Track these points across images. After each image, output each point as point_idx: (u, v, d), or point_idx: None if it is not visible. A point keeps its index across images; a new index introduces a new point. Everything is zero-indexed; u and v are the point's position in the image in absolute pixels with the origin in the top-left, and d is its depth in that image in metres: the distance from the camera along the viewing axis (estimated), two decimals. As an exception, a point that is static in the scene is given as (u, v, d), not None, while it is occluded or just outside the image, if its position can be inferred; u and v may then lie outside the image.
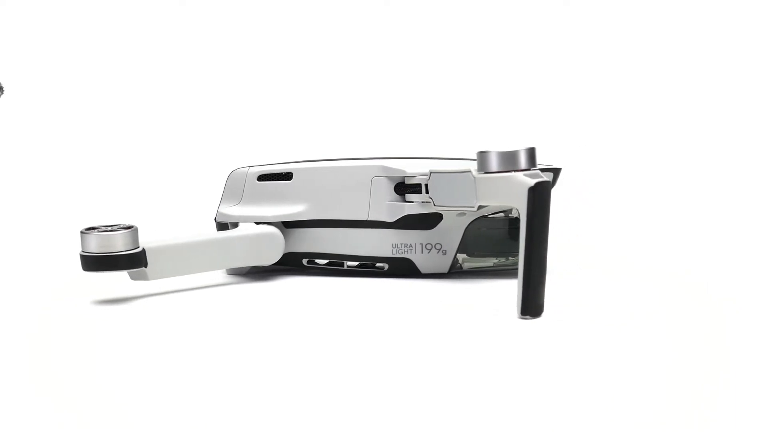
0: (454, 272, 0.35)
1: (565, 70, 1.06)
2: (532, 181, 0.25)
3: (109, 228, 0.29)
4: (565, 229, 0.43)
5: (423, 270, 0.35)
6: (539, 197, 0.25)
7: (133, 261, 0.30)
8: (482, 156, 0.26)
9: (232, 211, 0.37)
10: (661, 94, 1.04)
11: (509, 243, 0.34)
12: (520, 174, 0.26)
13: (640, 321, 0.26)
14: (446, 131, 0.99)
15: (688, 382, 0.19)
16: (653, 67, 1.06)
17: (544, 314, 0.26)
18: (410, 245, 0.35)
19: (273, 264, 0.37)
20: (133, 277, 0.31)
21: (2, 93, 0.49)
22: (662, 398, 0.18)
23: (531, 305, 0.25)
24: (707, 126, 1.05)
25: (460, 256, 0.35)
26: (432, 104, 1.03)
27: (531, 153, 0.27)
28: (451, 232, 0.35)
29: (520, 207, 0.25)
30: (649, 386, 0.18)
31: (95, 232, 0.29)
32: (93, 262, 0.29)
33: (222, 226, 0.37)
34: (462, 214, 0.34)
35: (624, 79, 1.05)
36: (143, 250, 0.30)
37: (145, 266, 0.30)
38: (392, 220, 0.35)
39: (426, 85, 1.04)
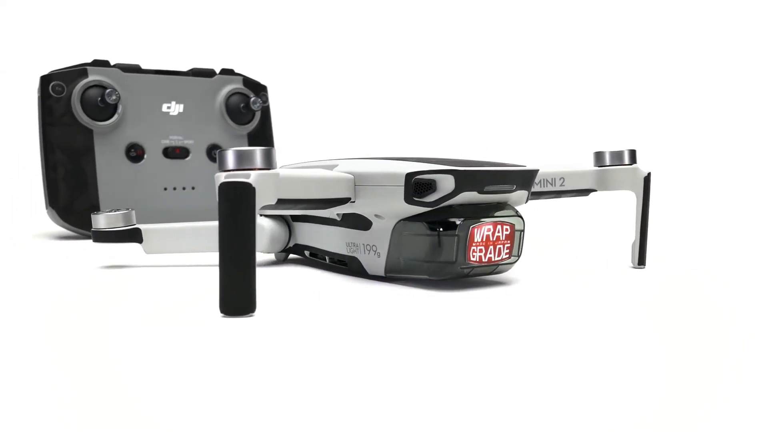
0: (390, 276, 0.34)
1: (567, 71, 1.01)
2: (224, 180, 0.25)
3: (113, 211, 0.39)
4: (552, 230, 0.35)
5: (369, 271, 0.35)
6: (226, 196, 0.25)
7: (126, 236, 0.39)
8: (219, 155, 0.27)
9: (259, 204, 0.42)
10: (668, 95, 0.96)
11: (439, 248, 0.31)
12: (223, 174, 0.26)
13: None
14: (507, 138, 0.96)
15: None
16: (655, 67, 0.98)
17: (256, 313, 0.26)
18: (356, 245, 0.36)
19: (284, 252, 0.42)
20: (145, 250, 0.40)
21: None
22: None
23: (226, 304, 0.26)
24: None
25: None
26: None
27: (265, 153, 0.26)
28: (381, 235, 0.34)
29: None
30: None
31: (102, 213, 0.39)
32: (98, 236, 0.39)
33: (259, 217, 0.43)
34: (379, 216, 0.33)
35: (625, 79, 0.98)
36: (137, 229, 0.39)
37: (140, 242, 0.39)
38: (338, 218, 0.36)
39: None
